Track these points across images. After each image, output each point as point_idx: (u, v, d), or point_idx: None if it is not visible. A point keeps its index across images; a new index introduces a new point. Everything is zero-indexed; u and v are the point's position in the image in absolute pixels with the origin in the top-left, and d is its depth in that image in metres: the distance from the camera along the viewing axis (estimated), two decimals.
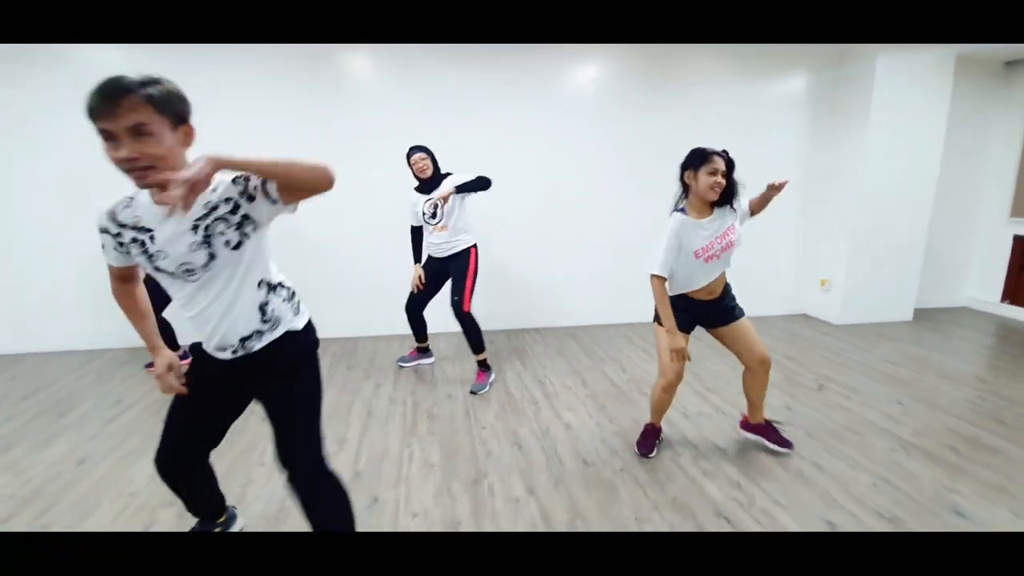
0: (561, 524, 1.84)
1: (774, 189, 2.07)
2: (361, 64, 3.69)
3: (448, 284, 3.05)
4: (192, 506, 1.61)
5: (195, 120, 1.17)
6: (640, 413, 2.66)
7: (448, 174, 2.98)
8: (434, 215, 2.94)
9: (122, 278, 1.35)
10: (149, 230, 1.19)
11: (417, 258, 3.15)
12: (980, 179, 4.92)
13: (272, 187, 1.15)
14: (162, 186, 1.09)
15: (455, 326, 3.03)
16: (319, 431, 1.37)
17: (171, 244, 1.18)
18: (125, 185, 1.15)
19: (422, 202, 2.99)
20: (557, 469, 2.19)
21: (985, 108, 4.74)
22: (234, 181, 1.19)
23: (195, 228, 1.17)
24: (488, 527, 1.81)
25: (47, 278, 3.58)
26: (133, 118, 1.02)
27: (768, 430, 2.34)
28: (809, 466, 2.22)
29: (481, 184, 2.90)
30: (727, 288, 2.19)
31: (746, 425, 2.40)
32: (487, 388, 2.99)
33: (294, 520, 1.83)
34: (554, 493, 2.02)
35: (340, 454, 2.28)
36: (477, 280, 3.03)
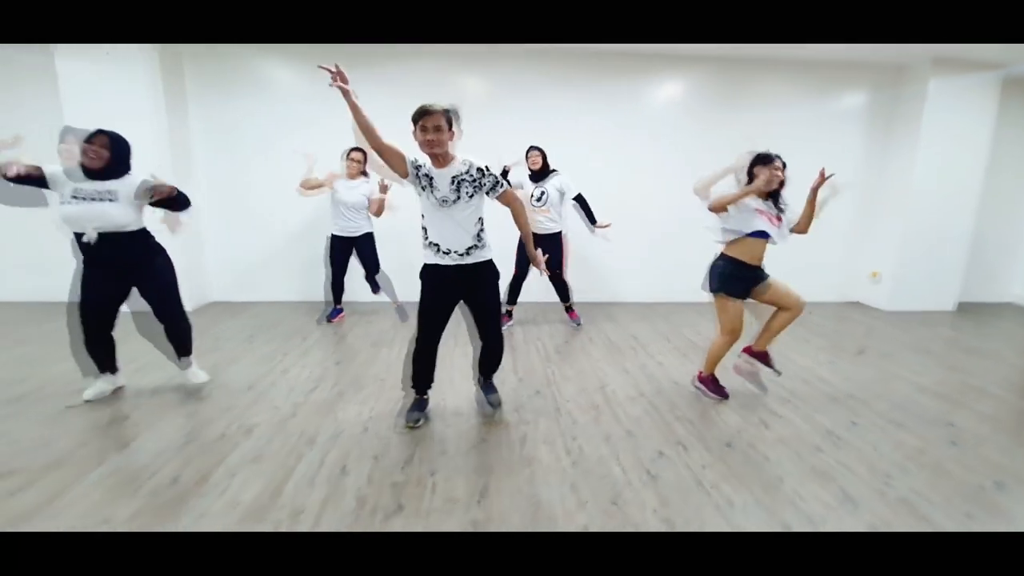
0: (666, 411, 2.79)
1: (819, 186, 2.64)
2: (476, 80, 4.75)
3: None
4: (420, 381, 2.64)
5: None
6: None
7: (555, 171, 4.03)
8: (540, 199, 3.98)
9: (393, 158, 2.27)
10: (432, 178, 2.28)
11: None
12: None
13: (495, 195, 2.36)
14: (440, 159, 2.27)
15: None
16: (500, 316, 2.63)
17: (442, 184, 2.27)
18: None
19: (532, 187, 4.01)
20: (656, 385, 3.15)
21: None
22: (479, 170, 2.31)
23: (453, 182, 2.27)
24: (619, 412, 2.79)
25: (261, 246, 4.87)
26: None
27: (764, 356, 3.01)
28: (842, 394, 3.06)
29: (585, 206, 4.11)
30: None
31: (748, 350, 3.02)
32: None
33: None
34: (657, 396, 2.98)
35: (501, 372, 3.33)
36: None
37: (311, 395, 2.89)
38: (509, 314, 4.36)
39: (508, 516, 1.88)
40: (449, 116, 2.21)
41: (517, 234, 4.09)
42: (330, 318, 4.38)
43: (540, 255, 2.60)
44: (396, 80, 4.64)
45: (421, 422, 2.58)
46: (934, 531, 1.87)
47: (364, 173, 4.20)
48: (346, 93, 2.13)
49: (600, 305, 5.12)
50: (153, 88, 4.21)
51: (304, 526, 1.80)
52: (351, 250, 4.28)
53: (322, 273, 4.95)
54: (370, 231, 4.28)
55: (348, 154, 4.12)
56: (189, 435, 2.42)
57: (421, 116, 2.18)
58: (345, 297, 4.63)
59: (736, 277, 2.74)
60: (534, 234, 4.05)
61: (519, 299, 4.32)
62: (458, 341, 3.87)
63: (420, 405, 2.64)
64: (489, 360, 2.75)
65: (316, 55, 4.59)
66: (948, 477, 2.23)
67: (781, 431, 2.61)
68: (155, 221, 2.65)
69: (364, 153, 4.13)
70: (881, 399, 3.02)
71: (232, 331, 4.02)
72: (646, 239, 5.20)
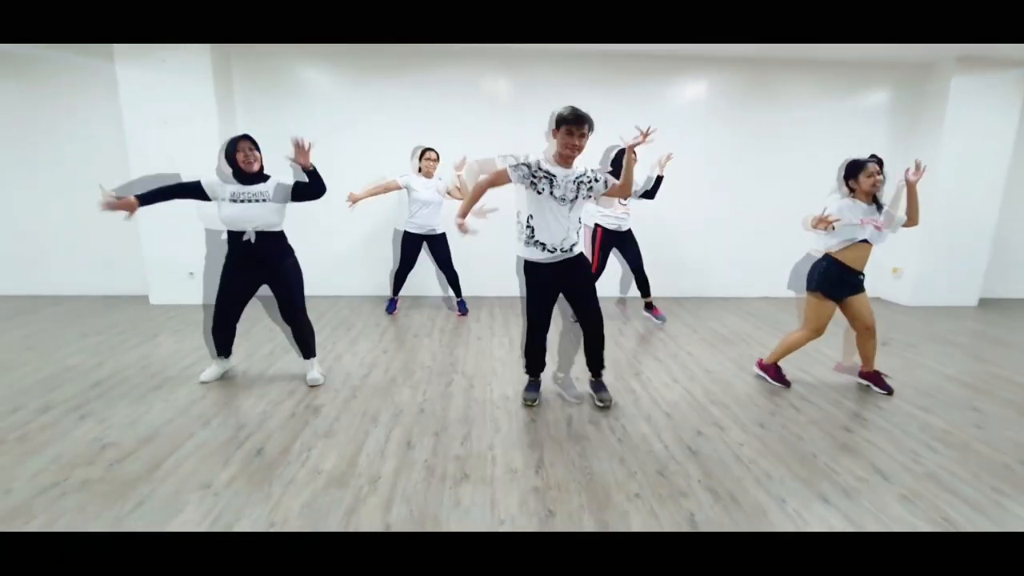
0: (700, 395, 2.95)
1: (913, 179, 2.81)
2: (505, 82, 4.94)
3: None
4: (534, 367, 2.84)
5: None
6: (740, 351, 3.71)
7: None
8: (625, 198, 4.06)
9: (495, 183, 2.53)
10: (554, 176, 2.47)
11: None
12: None
13: (606, 187, 2.53)
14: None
15: None
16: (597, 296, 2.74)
17: (564, 184, 2.47)
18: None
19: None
20: (689, 372, 3.31)
21: None
22: (593, 170, 2.53)
23: (574, 183, 2.48)
24: (656, 396, 2.95)
25: (301, 243, 5.09)
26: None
27: (875, 378, 3.08)
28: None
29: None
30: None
31: (863, 373, 3.12)
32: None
33: None
34: (691, 382, 3.14)
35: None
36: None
37: (366, 380, 3.10)
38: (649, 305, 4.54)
39: (565, 484, 2.07)
40: (592, 125, 2.42)
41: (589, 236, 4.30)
42: (390, 310, 4.59)
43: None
44: (427, 82, 4.85)
45: (537, 402, 2.81)
46: (931, 532, 1.87)
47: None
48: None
49: (627, 300, 5.28)
50: (205, 92, 4.46)
51: (383, 492, 2.00)
52: (422, 247, 4.46)
53: (359, 269, 5.19)
54: (444, 231, 4.45)
55: (423, 153, 4.29)
56: (263, 414, 2.64)
57: (571, 122, 2.36)
58: (378, 292, 4.85)
59: (838, 280, 2.89)
60: (615, 232, 4.21)
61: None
62: (495, 332, 4.07)
63: (535, 386, 2.88)
64: (592, 355, 2.81)
65: (355, 60, 4.82)
66: (975, 456, 2.37)
67: (811, 414, 2.76)
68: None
69: (437, 152, 4.32)
70: (907, 386, 3.15)
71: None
72: (672, 236, 5.35)
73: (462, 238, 2.80)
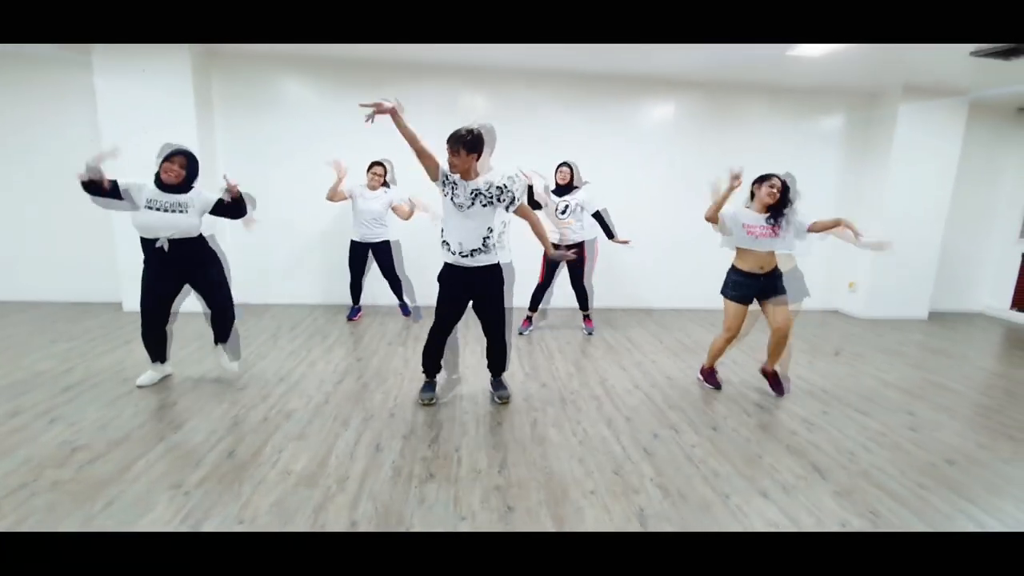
0: (660, 400, 3.11)
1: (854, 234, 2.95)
2: (483, 99, 5.11)
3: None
4: (428, 367, 2.97)
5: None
6: (701, 359, 3.89)
7: (578, 186, 4.29)
8: (564, 211, 4.25)
9: (429, 162, 2.62)
10: (456, 185, 2.63)
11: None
12: (993, 205, 5.90)
13: (512, 209, 2.66)
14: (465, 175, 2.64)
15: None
16: (506, 322, 2.89)
17: (462, 192, 2.62)
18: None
19: (558, 200, 4.25)
20: (651, 379, 3.47)
21: (999, 146, 5.73)
22: (498, 188, 2.63)
23: (471, 193, 2.61)
24: (618, 402, 3.10)
25: (280, 252, 5.15)
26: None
27: (772, 377, 3.29)
28: (817, 389, 3.41)
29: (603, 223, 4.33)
30: (777, 273, 3.07)
31: (762, 369, 3.37)
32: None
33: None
34: (652, 388, 3.31)
35: (511, 366, 3.63)
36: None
37: (339, 386, 3.18)
38: (529, 319, 4.57)
39: (526, 483, 2.19)
40: (469, 144, 2.56)
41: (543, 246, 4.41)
42: (350, 317, 4.71)
43: (559, 252, 2.95)
44: (405, 96, 4.94)
45: (434, 401, 2.95)
46: (929, 531, 1.96)
47: (386, 184, 4.52)
48: (393, 114, 2.49)
49: (597, 311, 5.44)
50: (184, 102, 4.51)
51: (351, 490, 2.09)
52: (368, 255, 4.59)
53: (337, 278, 5.25)
54: (388, 239, 4.58)
55: (370, 168, 4.45)
56: (235, 418, 2.70)
57: (447, 142, 2.59)
58: (361, 300, 4.91)
59: (735, 283, 3.13)
60: (558, 245, 4.27)
61: (543, 307, 4.68)
62: (467, 340, 4.18)
63: (430, 387, 3.02)
64: (492, 359, 3.05)
65: (335, 72, 4.94)
66: (905, 455, 2.57)
67: (761, 418, 2.94)
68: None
69: (384, 167, 4.46)
70: (851, 392, 3.36)
71: (257, 330, 4.29)
72: (642, 249, 5.53)
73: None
